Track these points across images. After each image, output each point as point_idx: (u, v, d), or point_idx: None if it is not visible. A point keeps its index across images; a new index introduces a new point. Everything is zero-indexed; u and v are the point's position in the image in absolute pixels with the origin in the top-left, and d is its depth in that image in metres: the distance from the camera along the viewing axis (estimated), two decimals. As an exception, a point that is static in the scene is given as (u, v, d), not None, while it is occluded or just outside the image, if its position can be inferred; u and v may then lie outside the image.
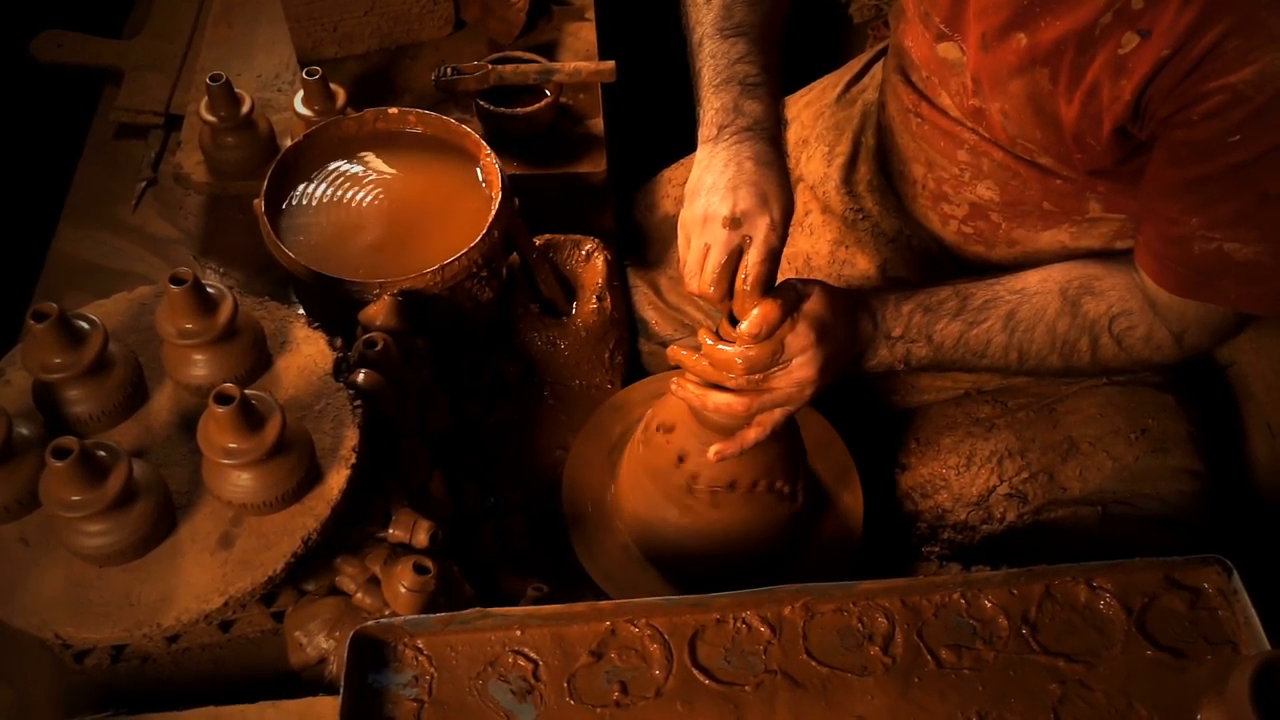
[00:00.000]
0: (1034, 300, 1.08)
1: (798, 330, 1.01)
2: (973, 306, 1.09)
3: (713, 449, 1.08)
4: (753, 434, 1.07)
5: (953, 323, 1.08)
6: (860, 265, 1.29)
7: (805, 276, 1.32)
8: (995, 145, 1.12)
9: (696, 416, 1.09)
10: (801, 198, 1.36)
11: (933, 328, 1.08)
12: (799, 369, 1.02)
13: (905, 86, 1.20)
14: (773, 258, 1.01)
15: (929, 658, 0.94)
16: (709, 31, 1.15)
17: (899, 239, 1.28)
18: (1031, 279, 1.10)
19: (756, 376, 1.02)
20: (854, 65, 1.45)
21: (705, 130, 1.09)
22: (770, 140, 1.06)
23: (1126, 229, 1.13)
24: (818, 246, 1.33)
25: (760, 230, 1.00)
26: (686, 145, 1.55)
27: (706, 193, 1.03)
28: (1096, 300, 1.08)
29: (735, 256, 1.00)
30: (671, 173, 1.56)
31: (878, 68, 1.40)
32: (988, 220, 1.18)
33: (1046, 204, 1.13)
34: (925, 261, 1.27)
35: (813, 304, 1.02)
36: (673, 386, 1.08)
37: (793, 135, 1.41)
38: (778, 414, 1.06)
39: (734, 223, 1.00)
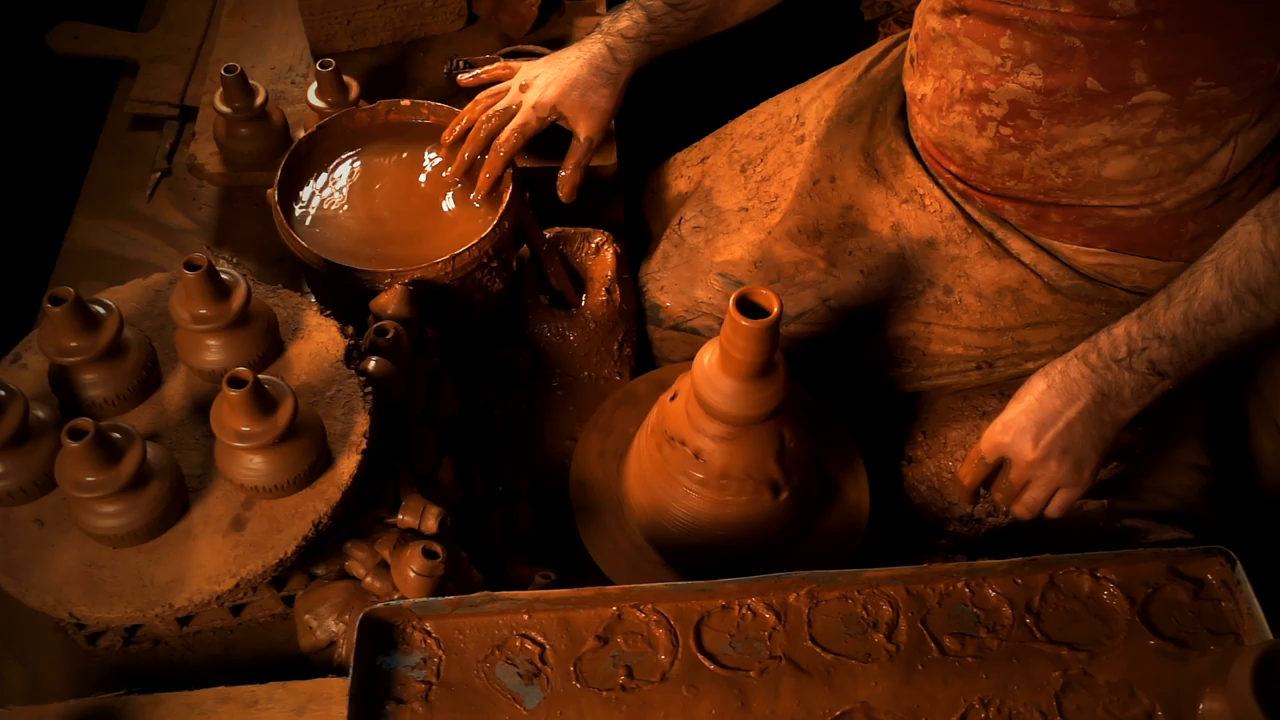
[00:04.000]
0: (1231, 246, 1.04)
1: (986, 434, 1.13)
2: (1176, 288, 1.06)
3: (1016, 508, 1.14)
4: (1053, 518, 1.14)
5: (1169, 310, 1.05)
6: (872, 226, 1.30)
7: (813, 243, 1.33)
8: (1041, 10, 1.09)
9: (703, 406, 1.10)
10: (812, 167, 1.37)
11: (1155, 326, 1.05)
12: (1018, 459, 1.10)
13: None
14: (535, 114, 1.33)
15: (932, 645, 0.95)
16: None
17: (913, 199, 1.28)
18: (1220, 241, 1.06)
19: (1001, 497, 1.16)
20: (874, 50, 1.46)
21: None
22: (617, 61, 1.34)
23: (1170, 115, 1.10)
24: (827, 212, 1.33)
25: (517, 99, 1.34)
26: (698, 134, 1.58)
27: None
28: None
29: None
30: (685, 155, 1.57)
31: (896, 50, 1.41)
32: (1027, 118, 1.16)
33: (1091, 80, 1.10)
34: (939, 221, 1.27)
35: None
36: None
37: (815, 115, 1.42)
38: (1057, 503, 1.12)
39: (522, 87, 1.34)
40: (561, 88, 1.32)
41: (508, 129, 1.32)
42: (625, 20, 1.35)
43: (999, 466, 1.14)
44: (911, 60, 1.30)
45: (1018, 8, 1.11)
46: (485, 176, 1.31)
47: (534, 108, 1.32)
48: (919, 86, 1.28)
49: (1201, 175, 1.14)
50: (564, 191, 1.39)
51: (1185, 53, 1.05)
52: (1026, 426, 1.09)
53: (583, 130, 1.36)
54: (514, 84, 1.36)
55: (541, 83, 1.33)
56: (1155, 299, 1.07)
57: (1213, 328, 1.04)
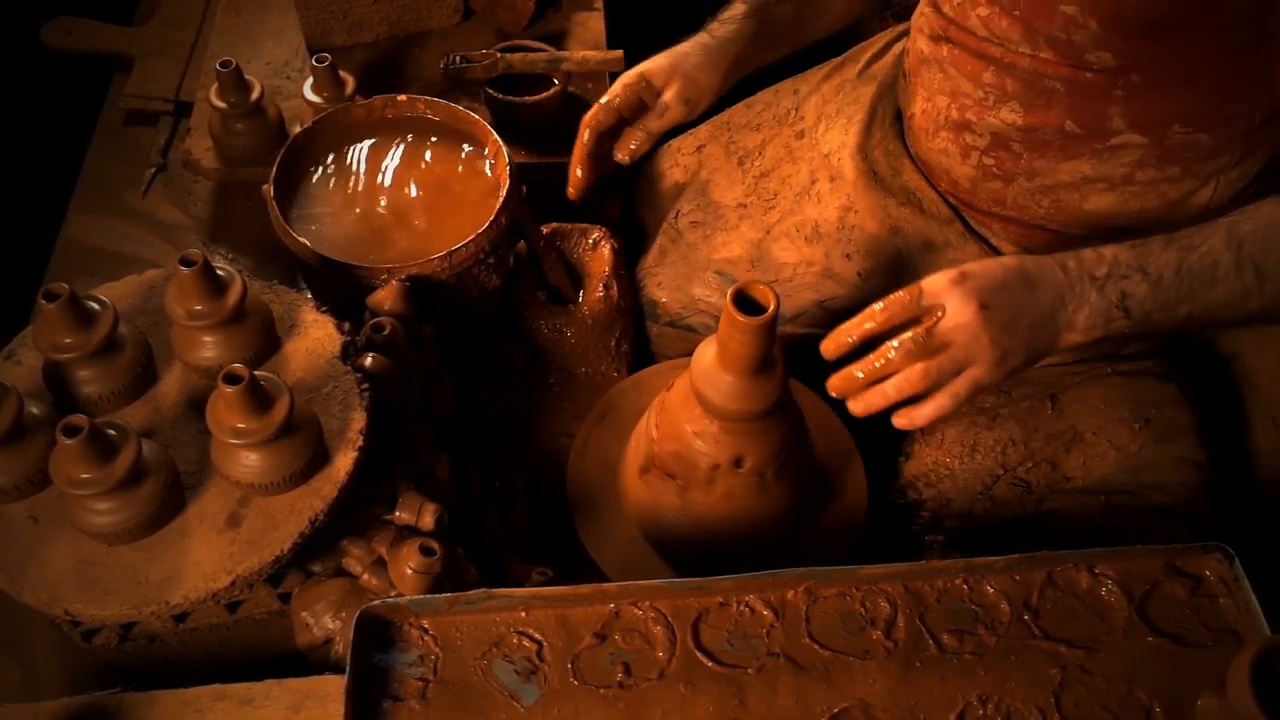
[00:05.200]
0: (1250, 217, 1.01)
1: (935, 275, 1.02)
2: (1183, 235, 1.01)
3: (899, 416, 1.06)
4: (935, 404, 1.04)
5: (1166, 251, 1.00)
6: (869, 228, 1.30)
7: (810, 244, 1.33)
8: (1021, 53, 1.09)
9: (701, 403, 1.10)
10: (810, 165, 1.37)
11: (1145, 260, 1.00)
12: (955, 314, 1.00)
13: (936, 15, 1.20)
14: (621, 82, 1.34)
15: (930, 642, 0.95)
16: None
17: (910, 201, 1.28)
18: (1239, 210, 1.03)
19: (911, 337, 1.02)
20: (876, 42, 1.46)
21: None
22: (712, 35, 1.36)
23: (1149, 157, 1.10)
24: (825, 213, 1.33)
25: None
26: (693, 122, 1.57)
27: None
28: None
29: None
30: (679, 142, 1.56)
31: (897, 45, 1.41)
32: (1009, 150, 1.17)
33: (1069, 123, 1.10)
34: (936, 224, 1.27)
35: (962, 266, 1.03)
36: (855, 408, 1.09)
37: (814, 110, 1.42)
38: (962, 381, 1.03)
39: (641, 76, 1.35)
40: (654, 59, 1.35)
41: (594, 106, 1.36)
42: (725, 11, 1.39)
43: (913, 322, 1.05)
44: (904, 75, 1.30)
45: (999, 48, 1.12)
46: (576, 166, 1.38)
47: (620, 78, 1.35)
48: (909, 105, 1.29)
49: (1182, 212, 1.15)
50: (620, 154, 1.39)
51: (1163, 103, 1.05)
52: (980, 287, 1.02)
53: (668, 94, 1.35)
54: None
55: (655, 60, 1.35)
56: (1154, 238, 1.03)
57: (1200, 286, 1.01)
